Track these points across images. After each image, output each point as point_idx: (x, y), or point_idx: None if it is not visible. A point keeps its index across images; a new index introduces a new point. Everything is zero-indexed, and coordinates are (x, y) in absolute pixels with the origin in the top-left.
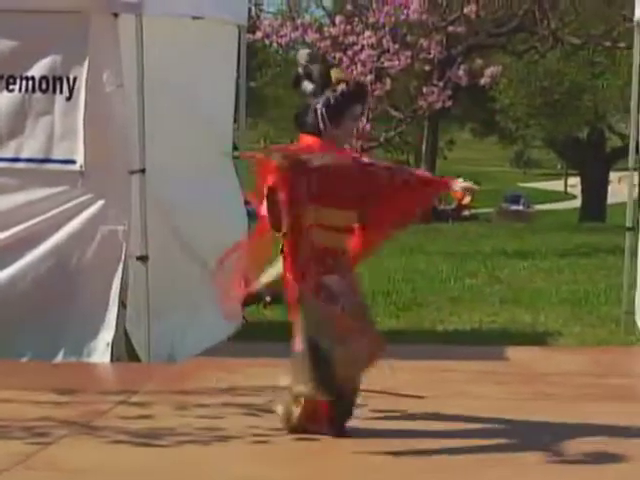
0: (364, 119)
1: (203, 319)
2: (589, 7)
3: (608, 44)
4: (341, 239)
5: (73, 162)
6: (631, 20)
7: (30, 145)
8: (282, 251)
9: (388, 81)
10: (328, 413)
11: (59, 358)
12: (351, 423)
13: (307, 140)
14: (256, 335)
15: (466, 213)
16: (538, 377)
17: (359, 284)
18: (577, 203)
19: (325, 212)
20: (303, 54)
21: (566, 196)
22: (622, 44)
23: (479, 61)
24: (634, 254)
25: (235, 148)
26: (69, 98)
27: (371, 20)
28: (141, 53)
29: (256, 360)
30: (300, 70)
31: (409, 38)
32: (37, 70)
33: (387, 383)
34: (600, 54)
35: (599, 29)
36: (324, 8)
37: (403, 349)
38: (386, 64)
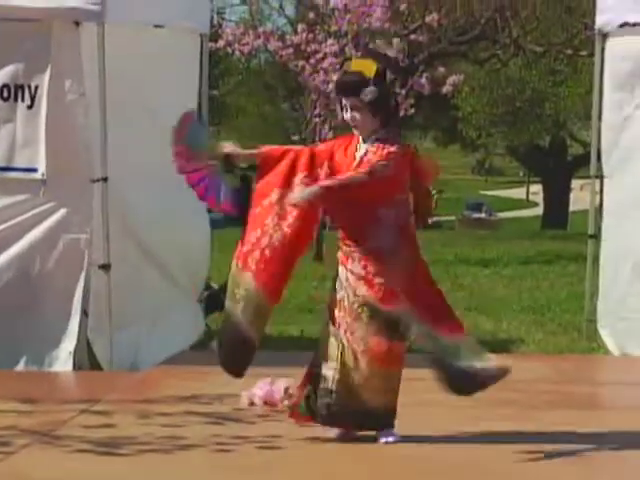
0: (326, 127)
1: (165, 327)
2: (550, 15)
3: (569, 52)
4: None
5: (35, 170)
6: (592, 28)
7: None
8: None
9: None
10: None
11: (21, 367)
12: (310, 432)
13: None
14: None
15: (429, 221)
16: (500, 384)
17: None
18: (539, 211)
19: None
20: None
21: (528, 204)
22: (583, 52)
23: (441, 69)
24: (596, 262)
25: None
26: (31, 106)
27: (333, 28)
28: (103, 61)
29: (217, 368)
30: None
31: (371, 46)
32: None
33: None
34: (561, 62)
35: (560, 37)
36: (286, 16)
37: None
38: None
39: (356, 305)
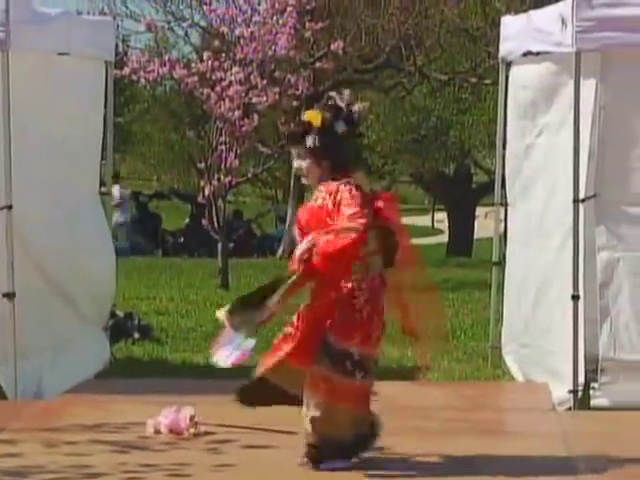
0: (232, 154)
1: (70, 356)
2: (455, 44)
3: (474, 80)
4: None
5: None
6: (496, 57)
7: None
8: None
9: (256, 117)
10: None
11: None
12: (219, 459)
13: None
14: (123, 372)
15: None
16: (406, 412)
17: None
18: (444, 238)
19: None
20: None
21: (433, 231)
22: (487, 80)
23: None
24: (500, 289)
25: (102, 184)
26: None
27: (239, 56)
28: (7, 89)
29: (123, 397)
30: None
31: (277, 74)
32: None
33: (261, 419)
34: (466, 90)
35: (465, 65)
36: (192, 44)
37: None
38: (254, 100)
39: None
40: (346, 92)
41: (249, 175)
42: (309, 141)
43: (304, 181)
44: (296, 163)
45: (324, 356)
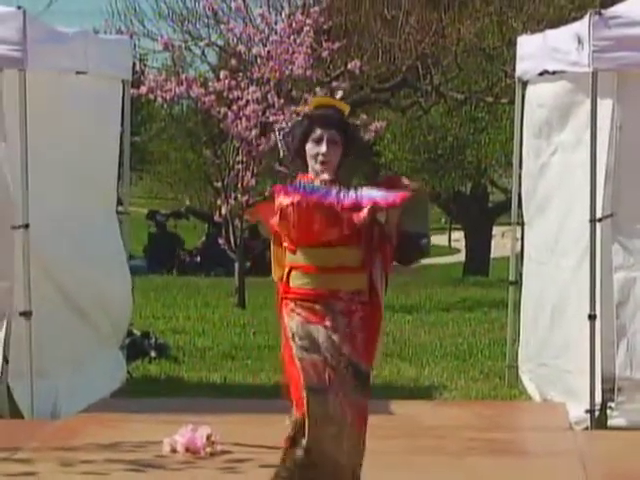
0: (249, 173)
1: (87, 374)
2: (471, 63)
3: (490, 100)
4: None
5: None
6: (512, 76)
7: None
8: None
9: (273, 136)
10: None
11: None
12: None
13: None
14: (139, 391)
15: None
16: (423, 431)
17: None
18: (461, 257)
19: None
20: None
21: (450, 250)
22: (504, 100)
23: (364, 116)
24: (517, 308)
25: (119, 203)
26: None
27: (256, 75)
28: (25, 108)
29: (139, 416)
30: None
31: (294, 93)
32: None
33: (278, 439)
34: (482, 109)
35: (481, 85)
36: (209, 63)
37: (287, 404)
38: (271, 119)
39: (342, 365)
40: (339, 92)
41: (266, 194)
42: (351, 130)
43: (317, 168)
44: (324, 148)
45: (359, 384)
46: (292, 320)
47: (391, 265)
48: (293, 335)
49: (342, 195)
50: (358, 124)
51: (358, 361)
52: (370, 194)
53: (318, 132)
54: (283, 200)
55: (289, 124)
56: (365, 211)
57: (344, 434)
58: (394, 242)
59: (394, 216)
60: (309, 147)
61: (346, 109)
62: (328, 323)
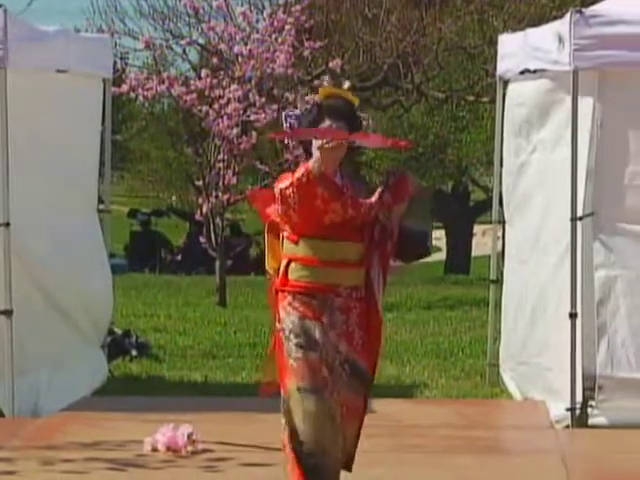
0: (230, 172)
1: (68, 373)
2: (452, 62)
3: (471, 98)
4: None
5: None
6: (493, 75)
7: None
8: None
9: (254, 134)
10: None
11: None
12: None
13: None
14: (120, 389)
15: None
16: (404, 429)
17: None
18: (442, 256)
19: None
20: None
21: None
22: (485, 98)
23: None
24: (498, 306)
25: (100, 201)
26: None
27: (237, 74)
28: (5, 106)
29: (121, 414)
30: None
31: (275, 92)
32: None
33: (259, 438)
34: (463, 108)
35: (462, 83)
36: (190, 62)
37: (270, 402)
38: (252, 117)
39: (337, 363)
40: (347, 83)
41: (247, 193)
42: (364, 121)
43: (322, 158)
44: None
45: (357, 381)
46: (288, 316)
47: (390, 264)
48: (289, 333)
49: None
50: (364, 117)
51: (355, 358)
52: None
53: (327, 123)
54: (281, 184)
55: (296, 111)
56: (376, 195)
57: (338, 430)
58: (394, 239)
59: (398, 213)
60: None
61: (356, 101)
62: (325, 320)
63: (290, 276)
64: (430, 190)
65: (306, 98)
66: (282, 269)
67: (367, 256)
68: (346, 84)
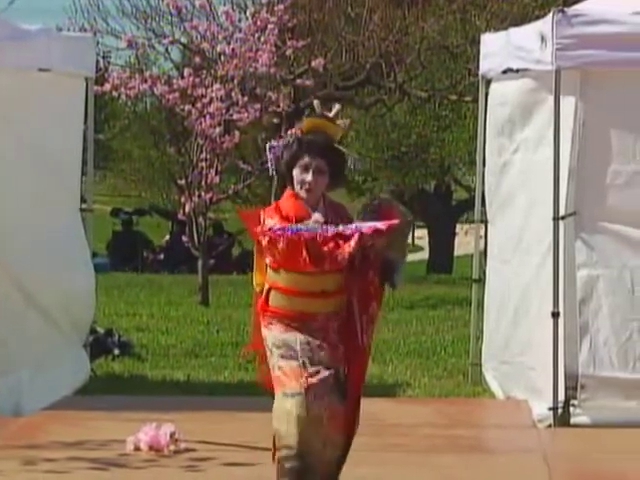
0: (212, 171)
1: (49, 372)
2: (435, 61)
3: (454, 98)
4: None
5: None
6: (476, 74)
7: None
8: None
9: (237, 134)
10: None
11: None
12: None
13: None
14: (103, 389)
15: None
16: (387, 428)
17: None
18: (425, 255)
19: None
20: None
21: (414, 248)
22: (467, 98)
23: (327, 114)
24: (480, 306)
25: (83, 200)
26: None
27: (220, 73)
28: None
29: (103, 414)
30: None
31: (258, 91)
32: None
33: (241, 437)
34: (446, 107)
35: (445, 83)
36: (172, 61)
37: (252, 401)
38: (235, 117)
39: (321, 368)
40: (336, 106)
41: (230, 192)
42: (340, 158)
43: (302, 195)
44: (310, 177)
45: (337, 388)
46: (270, 332)
47: (377, 293)
48: (271, 346)
49: (327, 230)
50: (346, 152)
51: (337, 365)
52: (359, 225)
53: (306, 159)
54: (271, 222)
55: (280, 142)
56: (352, 244)
57: (325, 434)
58: (377, 266)
59: (380, 243)
60: (296, 172)
61: (338, 134)
62: (305, 335)
63: (270, 303)
64: (410, 219)
65: (289, 132)
66: (264, 293)
67: (347, 284)
68: (336, 107)
